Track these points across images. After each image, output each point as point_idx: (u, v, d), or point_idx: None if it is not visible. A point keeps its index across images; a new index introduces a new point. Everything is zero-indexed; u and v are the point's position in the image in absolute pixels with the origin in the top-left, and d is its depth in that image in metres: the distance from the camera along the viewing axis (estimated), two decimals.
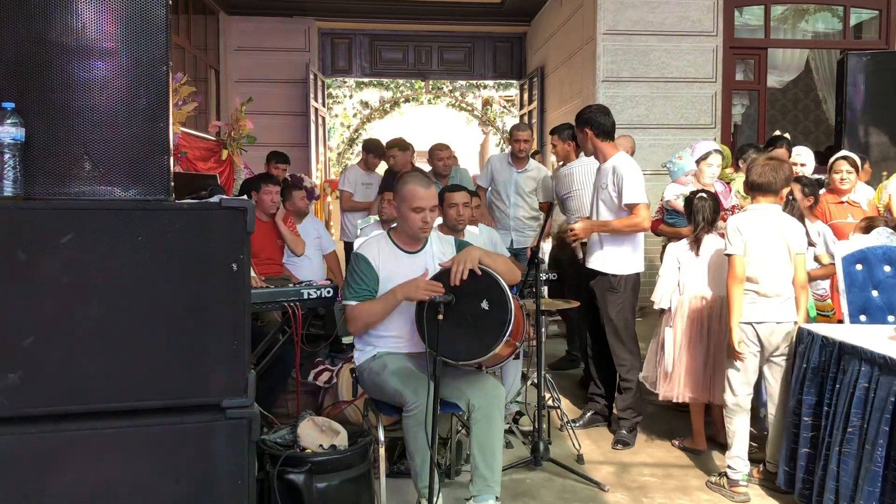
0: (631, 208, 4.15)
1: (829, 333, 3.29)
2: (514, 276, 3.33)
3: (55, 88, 2.08)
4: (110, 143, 2.13)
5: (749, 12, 8.25)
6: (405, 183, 3.34)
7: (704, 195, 4.25)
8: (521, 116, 11.35)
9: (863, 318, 3.81)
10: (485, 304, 3.05)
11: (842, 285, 3.84)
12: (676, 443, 4.31)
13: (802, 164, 5.49)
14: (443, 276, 3.14)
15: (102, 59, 2.11)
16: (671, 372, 4.13)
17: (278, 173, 6.52)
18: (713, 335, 4.08)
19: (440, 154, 6.41)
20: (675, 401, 4.21)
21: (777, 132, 6.36)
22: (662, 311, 4.28)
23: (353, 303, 3.27)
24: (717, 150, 4.91)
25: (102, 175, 2.13)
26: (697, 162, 4.86)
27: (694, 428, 4.22)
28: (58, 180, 2.10)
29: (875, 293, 3.84)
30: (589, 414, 4.59)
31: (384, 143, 6.95)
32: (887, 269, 3.85)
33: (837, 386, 3.12)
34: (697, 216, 4.18)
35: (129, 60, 2.14)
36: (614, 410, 4.51)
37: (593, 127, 4.27)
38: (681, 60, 7.74)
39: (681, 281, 4.20)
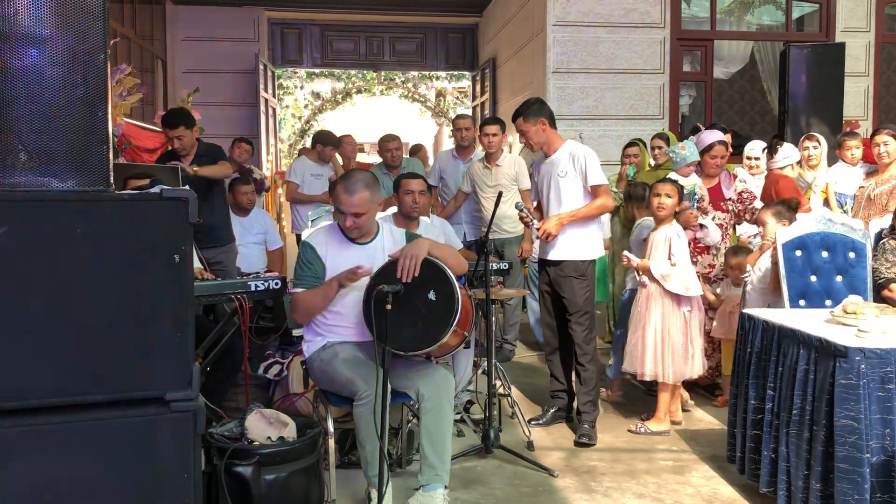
0: (596, 190, 4.19)
1: (770, 318, 3.36)
2: (462, 266, 3.34)
3: None
4: (47, 133, 2.07)
5: (696, 4, 8.37)
6: (339, 182, 3.39)
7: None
8: (474, 108, 11.35)
9: (802, 302, 3.91)
10: (432, 295, 3.06)
11: (782, 271, 3.94)
12: (642, 429, 4.30)
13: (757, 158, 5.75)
14: (389, 267, 3.14)
15: (37, 47, 2.05)
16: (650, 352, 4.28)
17: (241, 153, 6.53)
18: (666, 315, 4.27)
19: (388, 145, 6.36)
20: (660, 380, 4.28)
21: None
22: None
23: (297, 290, 3.28)
24: (720, 142, 4.93)
25: (39, 166, 2.08)
26: (702, 154, 4.92)
27: (660, 408, 4.31)
28: None
29: (813, 278, 3.95)
30: (551, 411, 4.45)
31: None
32: (825, 254, 3.96)
33: (780, 369, 3.19)
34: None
35: (65, 48, 2.08)
36: (575, 404, 4.46)
37: (548, 117, 4.27)
38: (629, 52, 7.83)
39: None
